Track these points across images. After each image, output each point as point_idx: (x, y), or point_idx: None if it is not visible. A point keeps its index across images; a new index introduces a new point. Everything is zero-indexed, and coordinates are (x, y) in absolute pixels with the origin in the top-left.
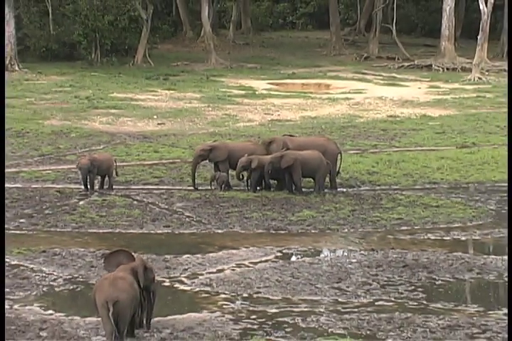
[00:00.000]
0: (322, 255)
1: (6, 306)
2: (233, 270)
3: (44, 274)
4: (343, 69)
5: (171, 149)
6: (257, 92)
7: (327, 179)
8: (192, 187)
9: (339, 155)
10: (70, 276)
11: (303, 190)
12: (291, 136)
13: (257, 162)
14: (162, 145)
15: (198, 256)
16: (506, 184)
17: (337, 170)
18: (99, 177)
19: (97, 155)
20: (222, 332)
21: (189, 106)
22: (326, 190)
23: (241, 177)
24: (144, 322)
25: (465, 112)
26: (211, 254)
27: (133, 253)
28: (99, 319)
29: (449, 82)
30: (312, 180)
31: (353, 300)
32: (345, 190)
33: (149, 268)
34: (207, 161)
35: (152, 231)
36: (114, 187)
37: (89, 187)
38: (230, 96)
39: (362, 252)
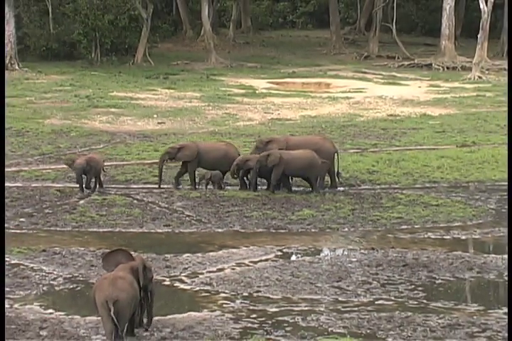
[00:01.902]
0: (322, 254)
1: (6, 305)
2: (233, 269)
3: (44, 273)
4: (343, 69)
5: None
6: (257, 91)
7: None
8: (192, 186)
9: (335, 154)
10: (70, 275)
11: (302, 189)
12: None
13: (254, 161)
14: (162, 144)
15: (198, 255)
16: (506, 183)
17: (336, 169)
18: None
19: (91, 155)
20: (222, 331)
21: (189, 105)
22: (326, 189)
23: (235, 175)
24: (145, 321)
25: (465, 111)
26: (211, 253)
27: (131, 253)
28: (99, 318)
29: (449, 81)
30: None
31: (353, 299)
32: (345, 189)
33: (148, 267)
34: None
35: (152, 231)
36: (114, 186)
37: (84, 187)
38: (230, 95)
39: (362, 251)
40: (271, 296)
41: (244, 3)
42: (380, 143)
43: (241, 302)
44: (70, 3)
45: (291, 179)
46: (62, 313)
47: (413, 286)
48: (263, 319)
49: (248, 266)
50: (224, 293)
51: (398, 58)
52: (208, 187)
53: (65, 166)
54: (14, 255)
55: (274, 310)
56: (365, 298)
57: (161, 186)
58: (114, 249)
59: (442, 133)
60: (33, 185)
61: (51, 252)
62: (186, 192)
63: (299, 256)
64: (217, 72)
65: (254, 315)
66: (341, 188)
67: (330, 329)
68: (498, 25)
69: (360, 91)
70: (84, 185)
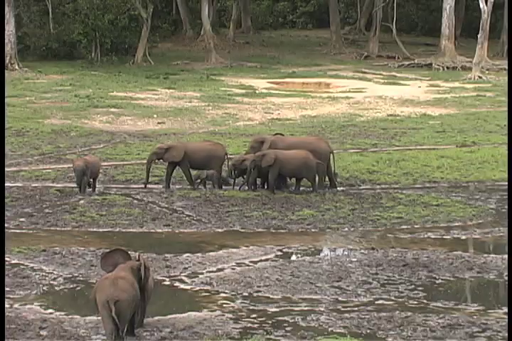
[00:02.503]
0: (322, 254)
1: (6, 305)
2: (233, 269)
3: (44, 273)
4: (343, 68)
5: None
6: (257, 91)
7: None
8: (191, 186)
9: (331, 154)
10: (70, 275)
11: (302, 189)
12: (281, 134)
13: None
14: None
15: (198, 255)
16: (506, 183)
17: (333, 169)
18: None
19: (88, 157)
20: (222, 331)
21: (189, 105)
22: (326, 189)
23: (233, 175)
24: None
25: (465, 111)
26: (211, 253)
27: (129, 253)
28: (99, 318)
29: (449, 81)
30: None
31: (353, 299)
32: (345, 188)
33: (147, 267)
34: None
35: (152, 230)
36: (113, 186)
37: (81, 188)
38: (230, 95)
39: (362, 251)
40: (271, 296)
41: (244, 3)
42: (380, 143)
43: (241, 302)
44: (70, 3)
45: (289, 179)
46: (62, 313)
47: (413, 286)
48: (263, 319)
49: (248, 266)
50: (224, 292)
51: (398, 58)
52: (207, 186)
53: (65, 166)
54: (14, 255)
55: (274, 310)
56: (365, 298)
57: (162, 186)
58: (112, 249)
59: (442, 133)
60: (33, 185)
61: (51, 252)
62: (186, 192)
63: (299, 256)
64: (217, 72)
65: (254, 315)
66: (341, 188)
67: (330, 329)
68: (498, 25)
69: (360, 91)
70: (83, 187)
